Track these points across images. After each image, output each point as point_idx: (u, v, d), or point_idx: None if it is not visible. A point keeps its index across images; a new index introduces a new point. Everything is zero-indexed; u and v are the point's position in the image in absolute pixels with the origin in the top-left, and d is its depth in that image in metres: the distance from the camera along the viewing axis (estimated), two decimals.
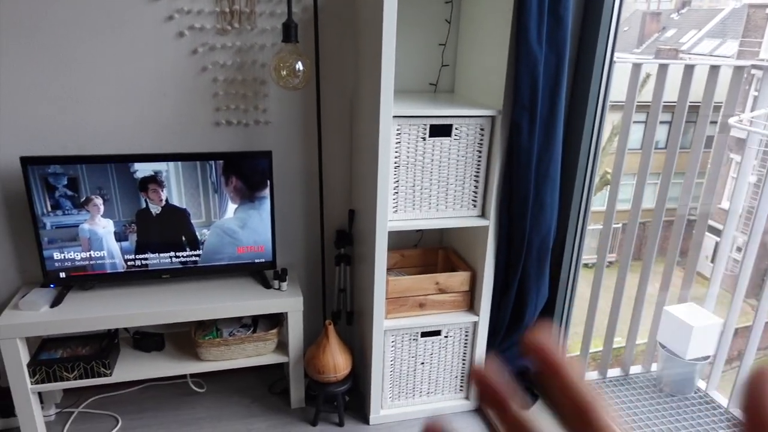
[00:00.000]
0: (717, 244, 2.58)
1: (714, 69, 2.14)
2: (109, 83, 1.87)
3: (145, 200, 1.86)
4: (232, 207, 1.93)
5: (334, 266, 2.27)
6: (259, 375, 2.32)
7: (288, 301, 1.96)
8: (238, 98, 1.98)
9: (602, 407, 0.24)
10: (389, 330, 1.96)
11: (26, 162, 1.72)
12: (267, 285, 2.02)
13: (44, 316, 1.78)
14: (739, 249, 5.60)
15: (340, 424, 2.07)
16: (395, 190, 1.81)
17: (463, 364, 2.12)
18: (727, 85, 2.27)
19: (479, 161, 1.85)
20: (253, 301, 1.94)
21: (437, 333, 2.02)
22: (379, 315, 1.91)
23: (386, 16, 1.57)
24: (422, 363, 2.06)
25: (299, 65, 1.79)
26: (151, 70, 1.89)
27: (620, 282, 2.34)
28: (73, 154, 1.87)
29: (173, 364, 1.97)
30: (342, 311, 2.30)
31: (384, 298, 1.89)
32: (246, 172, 1.91)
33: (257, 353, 2.02)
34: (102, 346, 1.90)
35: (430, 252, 2.25)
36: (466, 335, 2.06)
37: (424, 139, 1.77)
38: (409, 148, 1.77)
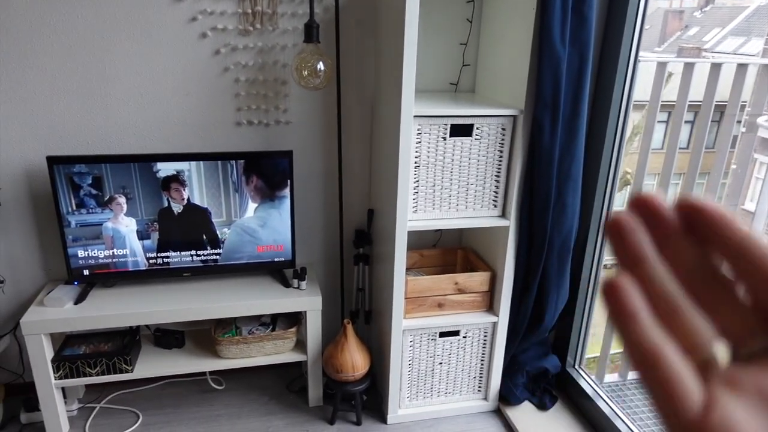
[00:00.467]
0: None
1: (741, 67, 2.10)
2: (133, 84, 1.90)
3: (168, 199, 1.88)
4: (252, 206, 1.94)
5: (352, 265, 2.27)
6: (277, 373, 2.34)
7: (307, 300, 1.97)
8: (259, 98, 1.99)
9: (760, 239, 0.22)
10: (408, 330, 1.96)
11: (52, 161, 1.75)
12: (286, 284, 2.03)
13: (68, 312, 1.81)
14: None
15: (358, 423, 2.08)
16: (415, 190, 1.81)
17: (482, 364, 2.10)
18: (752, 84, 2.22)
19: (500, 161, 1.84)
20: (273, 300, 1.95)
21: (456, 333, 2.01)
22: (397, 314, 1.91)
23: (408, 15, 1.57)
24: (440, 363, 2.05)
25: (320, 65, 1.79)
26: (174, 71, 1.91)
27: None
28: (98, 154, 1.90)
29: (193, 361, 1.99)
30: (360, 310, 2.30)
31: (403, 297, 1.89)
32: (266, 172, 1.92)
33: (276, 351, 2.03)
34: (124, 343, 1.93)
35: (450, 252, 2.24)
36: (485, 336, 2.05)
37: (444, 138, 1.76)
38: (429, 147, 1.77)
